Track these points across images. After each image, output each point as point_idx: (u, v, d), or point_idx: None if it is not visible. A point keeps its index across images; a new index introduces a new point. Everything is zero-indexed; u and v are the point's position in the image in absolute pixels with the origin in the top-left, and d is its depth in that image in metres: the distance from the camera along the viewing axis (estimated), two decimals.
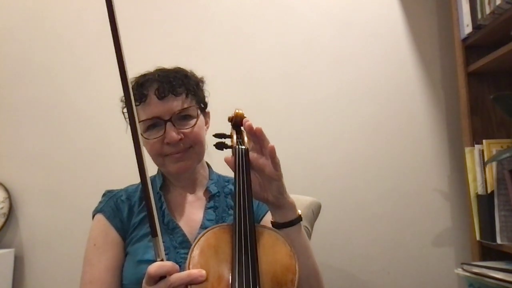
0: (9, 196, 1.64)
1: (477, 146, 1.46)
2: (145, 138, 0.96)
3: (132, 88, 0.95)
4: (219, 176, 1.10)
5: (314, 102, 1.75)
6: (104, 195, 1.05)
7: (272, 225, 0.85)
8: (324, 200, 1.42)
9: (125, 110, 0.98)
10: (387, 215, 1.71)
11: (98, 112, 1.70)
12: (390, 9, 1.79)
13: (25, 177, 1.68)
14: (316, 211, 1.38)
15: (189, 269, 0.71)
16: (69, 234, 1.63)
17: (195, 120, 0.98)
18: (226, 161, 0.84)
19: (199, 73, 1.06)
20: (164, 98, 0.94)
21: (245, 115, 0.90)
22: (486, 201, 1.39)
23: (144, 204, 0.98)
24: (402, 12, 1.79)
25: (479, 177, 1.43)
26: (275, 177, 0.82)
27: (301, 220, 0.87)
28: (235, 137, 0.90)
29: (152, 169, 0.95)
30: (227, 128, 0.95)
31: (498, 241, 1.34)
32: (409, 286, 1.69)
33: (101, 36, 1.62)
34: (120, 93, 0.73)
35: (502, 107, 1.31)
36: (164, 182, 1.04)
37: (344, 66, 1.76)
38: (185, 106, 0.96)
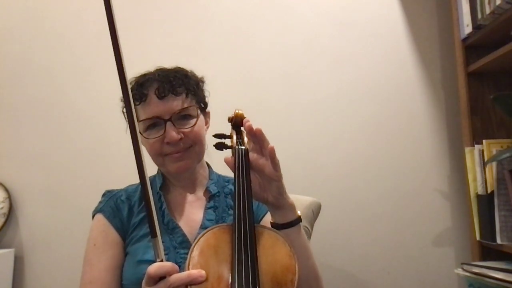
0: (9, 196, 1.64)
1: (477, 146, 1.46)
2: (145, 137, 0.96)
3: (132, 88, 0.96)
4: (219, 176, 1.10)
5: (314, 102, 1.74)
6: (104, 195, 1.05)
7: (272, 226, 0.85)
8: (324, 200, 1.42)
9: (125, 110, 0.98)
10: (387, 215, 1.71)
11: (98, 112, 1.70)
12: (390, 9, 1.79)
13: (25, 177, 1.68)
14: (316, 211, 1.38)
15: (189, 269, 0.71)
16: (69, 234, 1.63)
17: (195, 119, 0.98)
18: (226, 161, 0.84)
19: (199, 73, 1.06)
20: (164, 97, 0.94)
21: (245, 115, 0.90)
22: (486, 201, 1.39)
23: (144, 204, 0.98)
24: (402, 12, 1.79)
25: (479, 177, 1.43)
26: (274, 177, 0.82)
27: (301, 221, 0.87)
28: (235, 137, 0.90)
29: (152, 169, 0.95)
30: (227, 128, 0.95)
31: (498, 241, 1.34)
32: (409, 286, 1.69)
33: (101, 36, 1.62)
34: (120, 93, 0.73)
35: (502, 107, 1.31)
36: (164, 182, 1.04)
37: (344, 66, 1.76)
38: (185, 105, 0.96)
